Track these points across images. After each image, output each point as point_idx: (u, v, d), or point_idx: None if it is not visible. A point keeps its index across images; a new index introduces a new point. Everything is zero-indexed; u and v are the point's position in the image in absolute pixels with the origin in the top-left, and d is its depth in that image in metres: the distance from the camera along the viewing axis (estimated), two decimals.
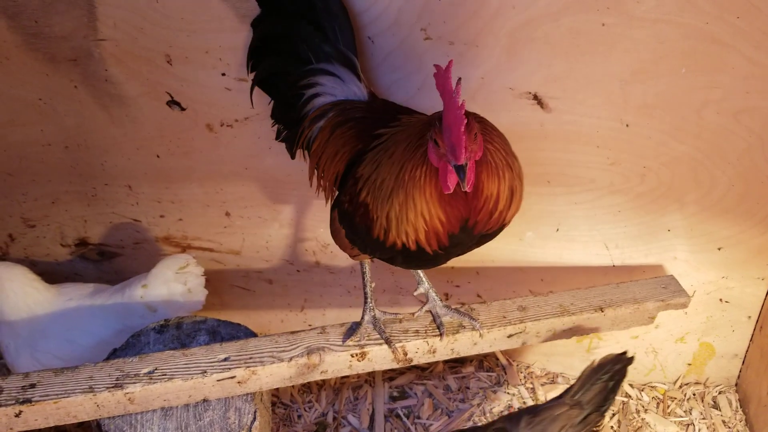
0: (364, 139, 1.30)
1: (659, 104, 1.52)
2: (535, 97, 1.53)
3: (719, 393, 2.04)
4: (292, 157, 1.54)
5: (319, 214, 1.80)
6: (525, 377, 2.08)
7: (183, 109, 1.61)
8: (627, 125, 1.55)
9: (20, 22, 1.47)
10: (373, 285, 1.50)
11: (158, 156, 1.71)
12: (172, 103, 1.60)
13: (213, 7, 1.43)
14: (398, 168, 1.15)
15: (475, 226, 1.17)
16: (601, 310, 1.59)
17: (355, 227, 1.28)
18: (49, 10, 1.45)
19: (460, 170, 1.04)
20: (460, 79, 1.05)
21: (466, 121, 1.03)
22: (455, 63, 1.45)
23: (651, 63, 1.45)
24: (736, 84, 1.47)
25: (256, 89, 1.49)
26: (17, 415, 1.37)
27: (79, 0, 1.43)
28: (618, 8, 1.37)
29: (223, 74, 1.54)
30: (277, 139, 1.54)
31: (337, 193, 1.38)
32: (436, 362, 2.06)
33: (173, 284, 1.74)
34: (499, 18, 1.40)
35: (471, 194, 1.12)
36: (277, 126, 1.54)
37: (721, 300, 1.87)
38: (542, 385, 2.05)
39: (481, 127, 1.13)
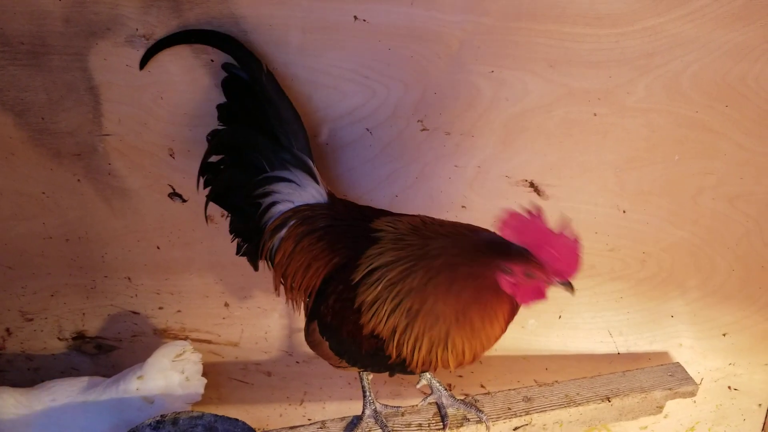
0: (339, 251, 1.28)
1: (655, 191, 1.53)
2: (532, 185, 1.54)
3: None
4: (255, 269, 1.51)
5: None
6: None
7: (184, 201, 1.63)
8: (624, 212, 1.57)
9: (27, 119, 1.50)
10: (371, 377, 1.47)
11: (158, 247, 1.71)
12: (174, 195, 1.62)
13: (215, 100, 1.47)
14: (441, 294, 1.11)
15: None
16: (608, 399, 1.55)
17: (341, 341, 1.25)
18: (56, 107, 1.49)
19: (568, 285, 1.08)
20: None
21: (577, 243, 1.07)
22: (451, 153, 1.50)
23: (644, 151, 1.48)
24: (729, 170, 1.50)
25: (211, 204, 1.45)
26: None
27: (85, 97, 1.47)
28: (608, 99, 1.41)
29: None
30: (237, 254, 1.50)
31: (311, 304, 1.33)
32: None
33: (170, 373, 1.69)
34: (493, 109, 1.44)
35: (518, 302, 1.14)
36: (236, 241, 1.49)
37: (729, 387, 1.83)
38: None
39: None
